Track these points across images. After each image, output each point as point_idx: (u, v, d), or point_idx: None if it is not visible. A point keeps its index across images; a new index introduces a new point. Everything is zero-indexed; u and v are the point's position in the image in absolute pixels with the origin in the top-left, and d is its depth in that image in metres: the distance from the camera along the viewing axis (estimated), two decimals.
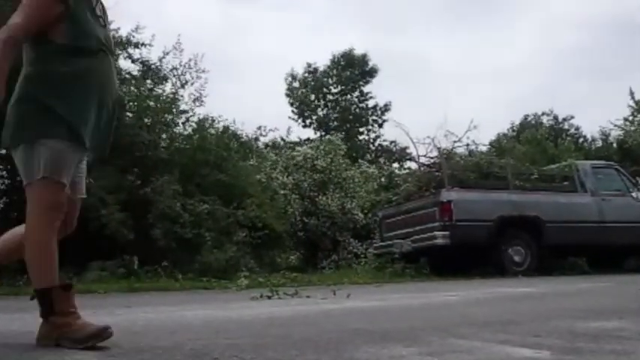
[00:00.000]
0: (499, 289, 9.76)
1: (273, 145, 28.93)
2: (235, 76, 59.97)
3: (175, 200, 14.71)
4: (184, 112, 17.14)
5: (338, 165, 22.58)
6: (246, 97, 59.13)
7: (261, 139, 21.57)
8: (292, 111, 43.53)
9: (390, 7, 64.46)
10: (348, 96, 43.97)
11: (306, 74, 44.59)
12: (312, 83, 44.05)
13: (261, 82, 66.67)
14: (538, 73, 67.65)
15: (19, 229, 3.76)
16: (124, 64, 16.49)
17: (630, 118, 30.97)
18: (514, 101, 64.64)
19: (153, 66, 17.07)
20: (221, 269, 14.02)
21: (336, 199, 21.65)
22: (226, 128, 18.04)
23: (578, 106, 65.41)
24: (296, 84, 44.31)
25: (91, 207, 12.29)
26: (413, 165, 20.98)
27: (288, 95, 43.92)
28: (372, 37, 62.39)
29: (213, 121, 17.69)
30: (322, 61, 44.86)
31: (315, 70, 44.54)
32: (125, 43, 16.40)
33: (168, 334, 4.18)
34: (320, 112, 43.90)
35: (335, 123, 43.00)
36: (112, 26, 13.42)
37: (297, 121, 43.20)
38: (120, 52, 16.08)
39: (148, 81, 16.89)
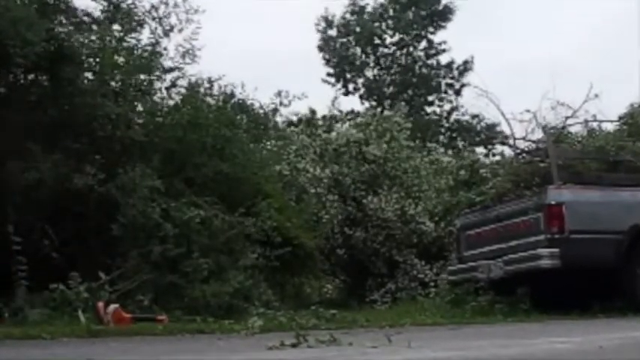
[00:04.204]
0: (631, 332, 9.75)
1: (302, 122, 28.76)
2: (244, 19, 59.90)
3: (153, 202, 14.68)
4: (169, 70, 17.12)
5: (397, 151, 22.41)
6: (259, 50, 59.13)
7: (283, 110, 21.47)
8: (328, 73, 43.50)
9: None
10: (411, 49, 43.84)
11: (349, 16, 44.44)
12: (358, 30, 43.89)
13: (281, 28, 66.66)
14: None
15: None
16: (79, 1, 16.52)
17: None
18: None
19: (123, 5, 17.02)
20: (223, 305, 14.02)
21: (393, 201, 21.58)
22: (230, 95, 18.04)
23: None
24: (333, 32, 44.22)
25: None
26: (506, 151, 20.94)
27: (321, 49, 43.87)
28: None
29: (212, 84, 17.71)
30: None
31: (362, 9, 44.37)
32: None
33: None
34: (369, 73, 43.81)
35: (391, 88, 42.88)
36: None
37: (334, 85, 43.18)
38: None
39: (116, 26, 16.88)
